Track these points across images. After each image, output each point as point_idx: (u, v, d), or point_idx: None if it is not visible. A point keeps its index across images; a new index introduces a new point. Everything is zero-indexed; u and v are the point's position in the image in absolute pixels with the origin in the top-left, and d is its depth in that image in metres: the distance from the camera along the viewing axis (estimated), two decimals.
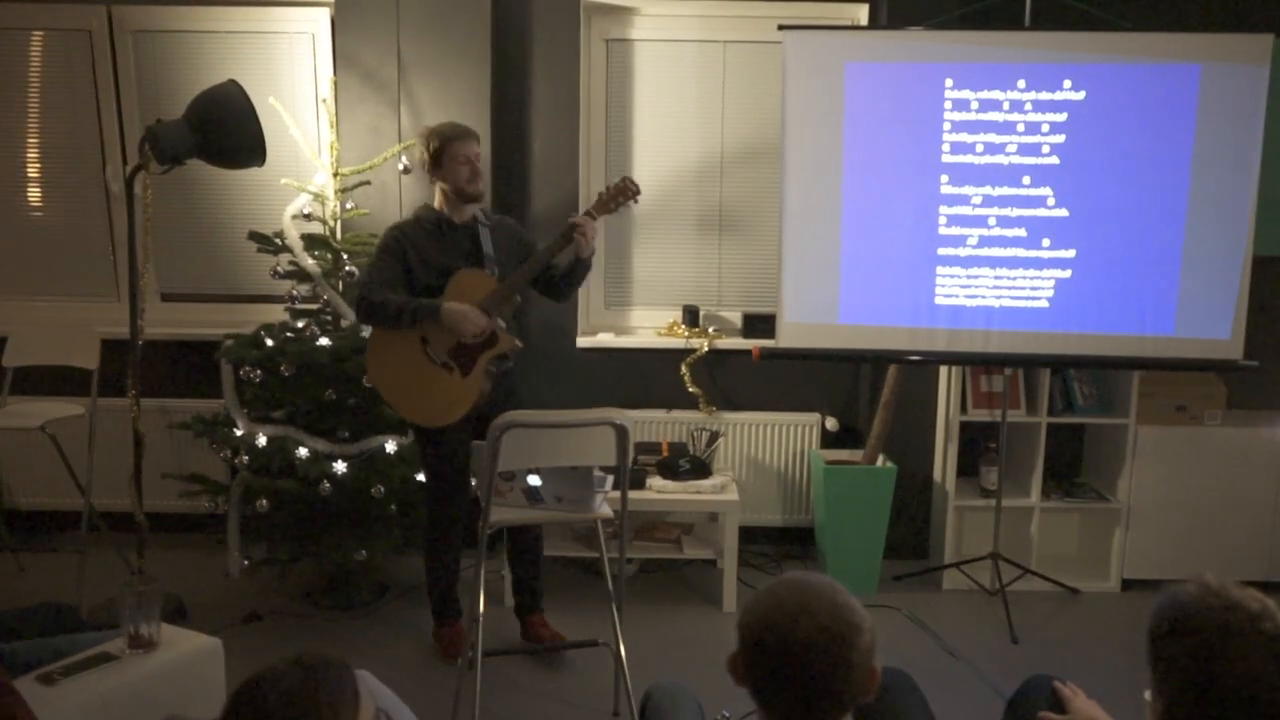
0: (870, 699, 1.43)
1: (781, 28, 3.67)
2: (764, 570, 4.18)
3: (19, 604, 2.56)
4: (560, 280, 3.37)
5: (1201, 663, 1.35)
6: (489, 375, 3.22)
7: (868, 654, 1.41)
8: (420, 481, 3.61)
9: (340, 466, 3.49)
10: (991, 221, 3.65)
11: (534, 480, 2.95)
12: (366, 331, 3.61)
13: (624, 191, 3.35)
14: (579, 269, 3.34)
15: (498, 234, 3.33)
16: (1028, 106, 3.58)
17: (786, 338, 3.80)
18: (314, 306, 3.77)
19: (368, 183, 3.91)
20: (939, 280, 3.70)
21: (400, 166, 3.94)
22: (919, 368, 4.02)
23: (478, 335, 3.18)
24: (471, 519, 3.28)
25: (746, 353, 4.12)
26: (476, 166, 3.25)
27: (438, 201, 3.29)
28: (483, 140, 4.03)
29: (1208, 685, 1.34)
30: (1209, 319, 3.63)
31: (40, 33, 4.27)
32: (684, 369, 4.25)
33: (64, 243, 4.42)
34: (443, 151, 3.20)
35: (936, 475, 4.18)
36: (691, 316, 4.31)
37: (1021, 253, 3.66)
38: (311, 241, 3.73)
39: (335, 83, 4.01)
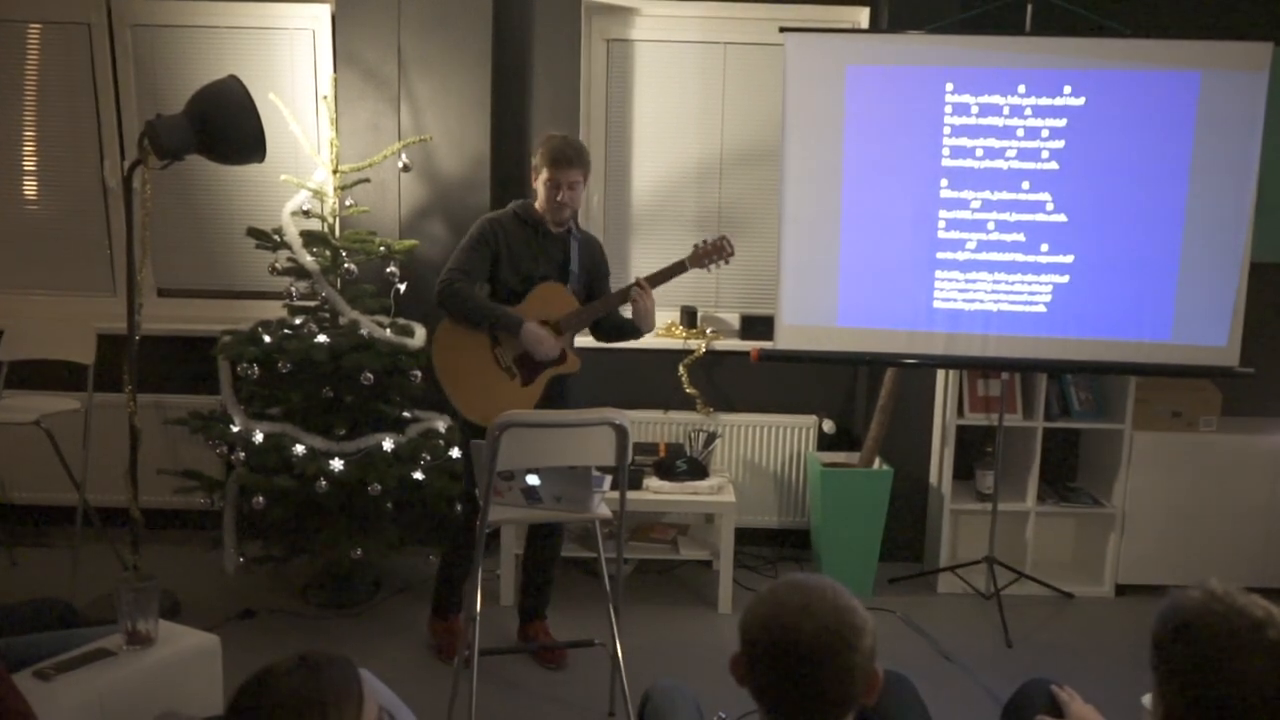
0: (872, 702, 1.44)
1: (783, 30, 3.67)
2: (760, 572, 4.19)
3: (12, 599, 2.55)
4: (613, 327, 3.38)
5: (1204, 669, 1.36)
6: (546, 388, 3.23)
7: (869, 655, 1.41)
8: (417, 479, 3.61)
9: (337, 464, 3.48)
10: (990, 226, 3.66)
11: (533, 480, 2.94)
12: (365, 330, 3.61)
13: (720, 251, 3.33)
14: (629, 330, 3.35)
15: (585, 251, 3.31)
16: (1027, 111, 3.59)
17: (785, 340, 3.81)
18: (312, 303, 3.76)
19: (367, 180, 3.90)
20: (937, 284, 3.70)
21: (400, 164, 3.94)
22: (916, 371, 4.02)
23: (548, 358, 3.19)
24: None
25: (744, 354, 4.12)
26: (565, 194, 3.15)
27: (540, 203, 3.22)
28: (481, 141, 4.06)
29: (1210, 691, 1.35)
30: (1206, 325, 3.64)
31: (39, 25, 4.26)
32: (682, 370, 4.26)
33: (61, 237, 4.40)
34: (539, 170, 3.16)
35: (933, 479, 4.19)
36: (689, 317, 4.31)
37: (1020, 257, 3.66)
38: (310, 238, 3.72)
39: (335, 80, 4.00)
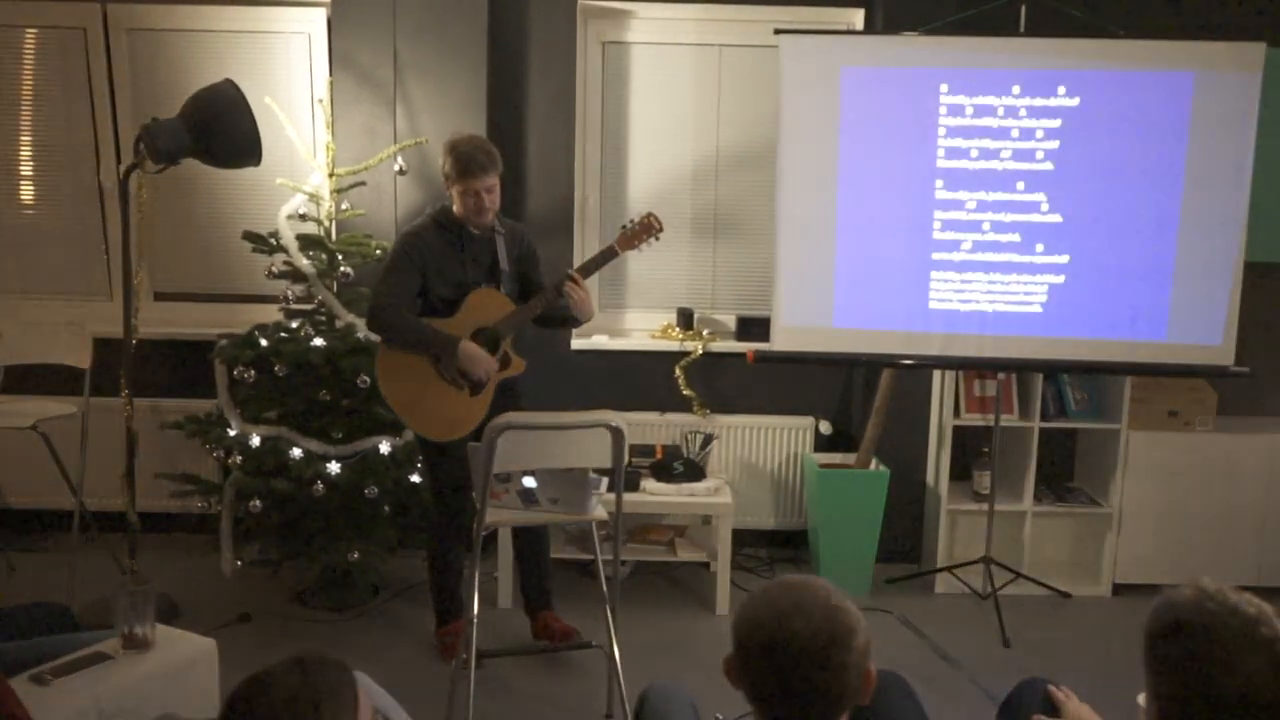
0: (866, 701, 1.44)
1: (778, 32, 3.68)
2: (757, 573, 4.19)
3: (9, 603, 2.55)
4: (555, 320, 3.38)
5: (1198, 666, 1.36)
6: (496, 393, 3.22)
7: (862, 655, 1.41)
8: (414, 482, 3.61)
9: (334, 467, 3.48)
10: (985, 226, 3.67)
11: (529, 482, 2.95)
12: (362, 333, 3.62)
13: (648, 229, 3.34)
14: (570, 322, 3.37)
15: (511, 243, 3.30)
16: (1022, 112, 3.59)
17: (781, 341, 3.81)
18: (308, 307, 3.76)
19: (363, 183, 3.90)
20: (933, 285, 3.71)
21: (396, 168, 3.94)
22: (913, 372, 4.03)
23: (486, 377, 3.18)
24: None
25: (741, 356, 4.12)
26: (485, 200, 3.14)
27: (458, 211, 3.21)
28: None
29: (1204, 688, 1.35)
30: (1201, 325, 3.65)
31: (35, 30, 4.26)
32: (678, 372, 4.26)
33: (58, 241, 4.40)
34: (452, 181, 3.15)
35: (929, 479, 4.20)
36: (686, 319, 4.31)
37: (1015, 258, 3.67)
38: (306, 242, 3.73)
39: (331, 83, 4.00)
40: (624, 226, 3.36)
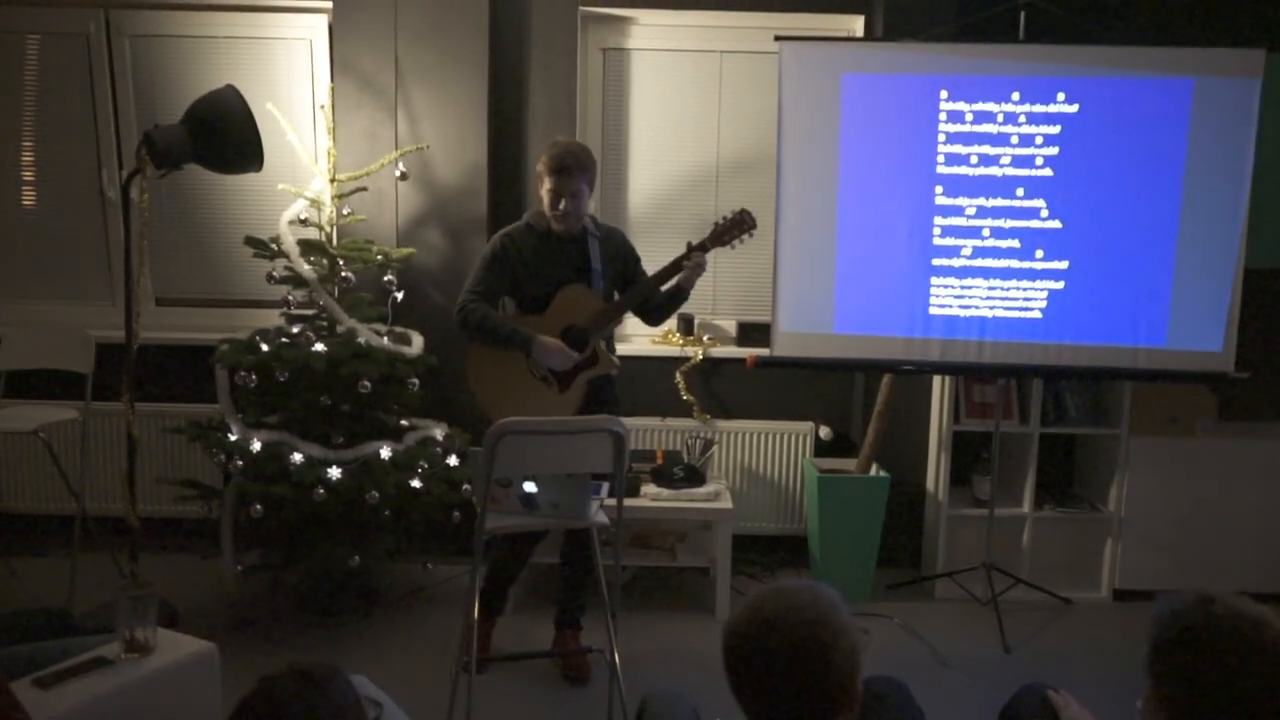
0: (854, 713, 1.43)
1: (778, 39, 3.69)
2: (757, 579, 4.19)
3: (10, 609, 2.55)
4: (656, 308, 3.39)
5: (1203, 670, 1.37)
6: (585, 393, 3.24)
7: (849, 658, 1.41)
8: (415, 488, 3.61)
9: (335, 472, 3.48)
10: (985, 232, 3.67)
11: (530, 487, 2.95)
12: (363, 338, 3.62)
13: (740, 224, 3.32)
14: (678, 299, 3.35)
15: (606, 246, 3.31)
16: (1022, 119, 3.60)
17: (781, 347, 3.81)
18: (309, 312, 3.77)
19: (364, 189, 3.91)
20: (933, 290, 3.72)
21: (397, 173, 3.95)
22: (913, 377, 4.03)
23: (565, 368, 3.20)
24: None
25: (741, 361, 4.13)
26: (566, 203, 3.15)
27: (545, 210, 3.24)
28: (478, 149, 4.07)
29: (1208, 693, 1.36)
30: (1201, 331, 3.66)
31: (37, 36, 4.27)
32: (678, 377, 4.26)
33: (60, 246, 4.41)
34: (542, 179, 3.19)
35: (930, 485, 4.20)
36: (686, 325, 4.32)
37: (1015, 263, 3.68)
38: (308, 247, 3.73)
39: (333, 89, 4.01)
40: (716, 223, 3.36)
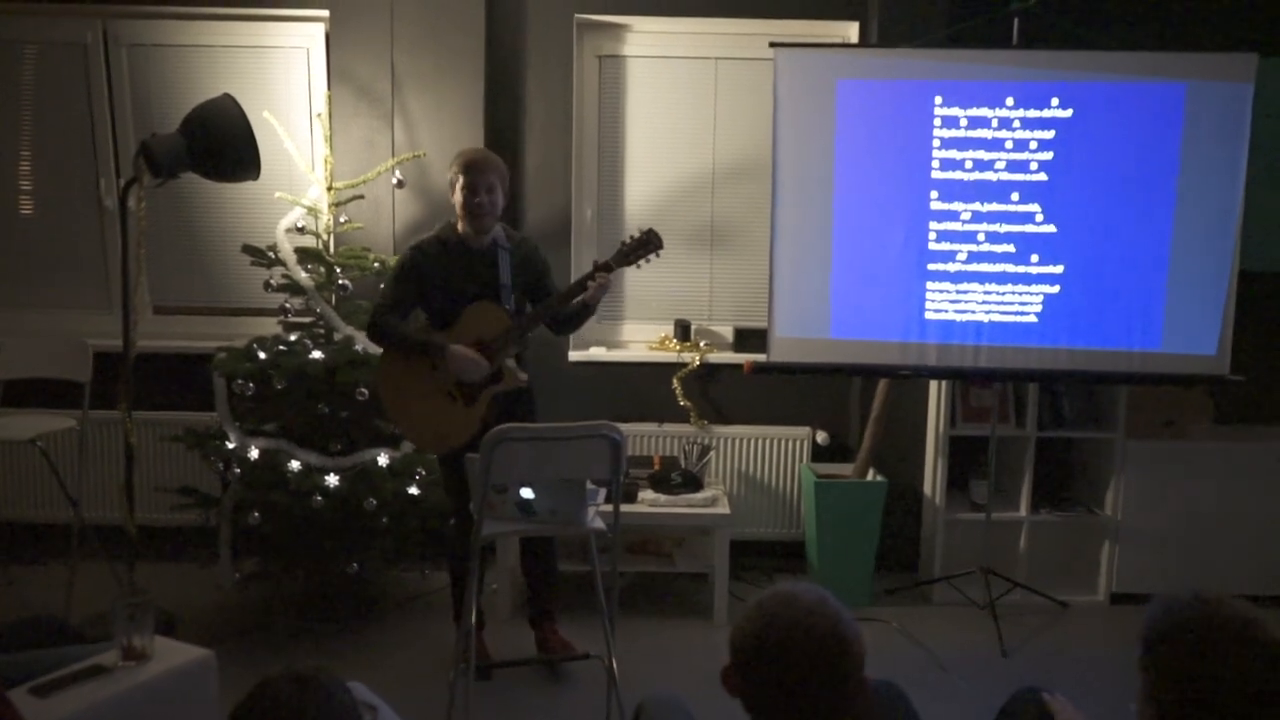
0: (863, 711, 1.44)
1: (773, 45, 3.70)
2: (755, 584, 4.19)
3: (8, 616, 2.55)
4: (563, 321, 3.39)
5: (1195, 670, 1.38)
6: (491, 408, 3.22)
7: (859, 663, 1.42)
8: (413, 494, 3.61)
9: (332, 479, 3.49)
10: (981, 237, 3.69)
11: (526, 493, 2.95)
12: (360, 345, 3.63)
13: (647, 244, 3.31)
14: (584, 315, 3.35)
15: (516, 258, 3.30)
16: (1016, 124, 3.62)
17: (778, 352, 3.82)
18: (307, 320, 3.78)
19: (361, 197, 3.92)
20: (929, 295, 3.73)
21: (394, 181, 3.96)
22: (909, 382, 4.04)
23: (477, 379, 3.19)
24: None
25: (738, 367, 4.14)
26: (483, 198, 3.16)
27: (459, 211, 3.24)
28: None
29: (1200, 692, 1.37)
30: (1196, 334, 3.67)
31: (35, 46, 4.28)
32: (676, 383, 4.27)
33: (57, 255, 4.42)
34: (454, 180, 3.20)
35: (926, 489, 4.20)
36: (683, 331, 4.32)
37: (1010, 268, 3.69)
38: (305, 255, 3.74)
39: (329, 97, 4.02)
40: (623, 242, 3.36)
